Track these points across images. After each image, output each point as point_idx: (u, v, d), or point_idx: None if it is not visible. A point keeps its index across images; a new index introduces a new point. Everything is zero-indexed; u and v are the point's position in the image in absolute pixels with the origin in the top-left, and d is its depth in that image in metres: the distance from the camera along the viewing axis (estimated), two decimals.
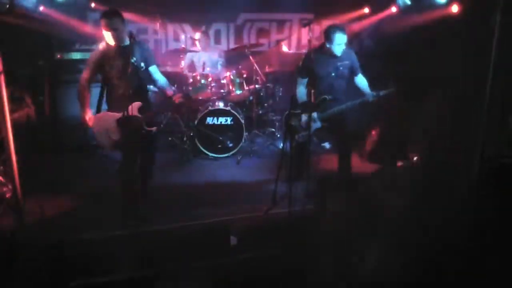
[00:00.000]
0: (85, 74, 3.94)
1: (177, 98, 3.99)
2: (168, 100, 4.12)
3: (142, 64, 3.94)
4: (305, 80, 4.47)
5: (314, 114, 4.44)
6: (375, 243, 3.22)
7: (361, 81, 4.65)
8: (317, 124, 4.49)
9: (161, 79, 4.11)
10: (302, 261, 3.11)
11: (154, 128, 3.98)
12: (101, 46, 3.90)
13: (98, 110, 3.97)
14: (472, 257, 3.01)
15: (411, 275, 2.93)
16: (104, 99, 4.00)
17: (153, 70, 4.06)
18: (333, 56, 4.45)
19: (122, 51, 3.82)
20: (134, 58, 3.84)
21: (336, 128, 4.65)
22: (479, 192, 3.56)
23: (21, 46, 5.36)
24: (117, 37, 3.78)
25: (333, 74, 4.49)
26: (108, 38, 3.81)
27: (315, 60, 4.35)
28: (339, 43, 4.36)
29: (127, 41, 3.89)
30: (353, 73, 4.62)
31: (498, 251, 3.02)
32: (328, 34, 4.40)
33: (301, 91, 4.52)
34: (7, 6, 4.52)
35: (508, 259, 2.92)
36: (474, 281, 2.85)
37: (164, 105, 4.85)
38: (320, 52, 4.49)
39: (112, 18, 3.74)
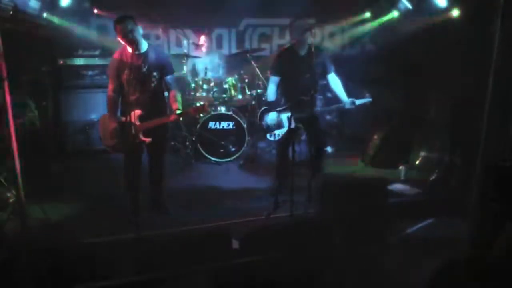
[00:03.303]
0: (109, 85, 4.01)
1: (173, 117, 3.90)
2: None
3: (155, 73, 3.93)
4: (277, 79, 4.49)
5: (288, 115, 4.30)
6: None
7: (334, 81, 4.51)
8: (291, 125, 4.27)
9: (172, 91, 4.05)
10: (303, 265, 3.11)
11: (147, 140, 3.91)
12: (118, 54, 3.92)
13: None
14: None
15: None
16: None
17: (168, 80, 4.04)
18: (303, 54, 4.35)
19: (136, 58, 3.84)
20: (146, 67, 3.86)
21: (309, 129, 4.61)
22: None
23: (24, 52, 5.39)
24: (133, 41, 3.75)
25: (307, 75, 4.28)
26: (125, 44, 3.83)
27: (288, 59, 4.38)
28: (303, 38, 4.28)
29: (144, 47, 3.91)
30: (325, 72, 4.50)
31: None
32: (291, 30, 4.42)
33: (272, 89, 4.51)
34: (11, 12, 4.57)
35: None
36: None
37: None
38: (291, 51, 4.44)
39: (124, 22, 3.75)
